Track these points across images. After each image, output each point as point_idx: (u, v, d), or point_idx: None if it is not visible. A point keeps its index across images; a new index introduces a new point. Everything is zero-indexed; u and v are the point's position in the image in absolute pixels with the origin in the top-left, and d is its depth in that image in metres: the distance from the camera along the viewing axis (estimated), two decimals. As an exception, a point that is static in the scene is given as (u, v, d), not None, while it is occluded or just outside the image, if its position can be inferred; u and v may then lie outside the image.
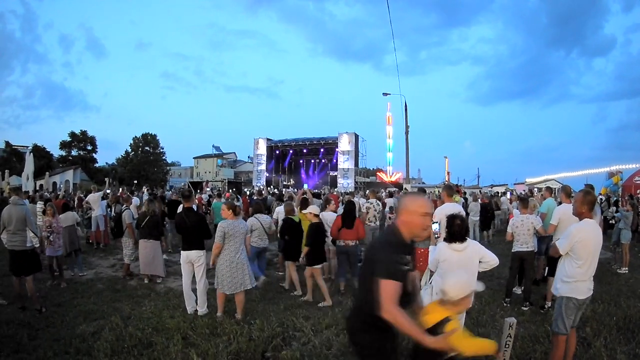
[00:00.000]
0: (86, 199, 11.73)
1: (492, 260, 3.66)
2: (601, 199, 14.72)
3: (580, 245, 3.53)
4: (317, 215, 6.31)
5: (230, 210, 5.30)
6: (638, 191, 18.23)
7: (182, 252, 5.64)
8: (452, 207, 5.24)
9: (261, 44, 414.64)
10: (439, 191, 20.20)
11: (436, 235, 4.26)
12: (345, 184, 36.62)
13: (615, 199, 14.66)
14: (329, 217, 7.30)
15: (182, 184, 37.09)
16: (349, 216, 6.57)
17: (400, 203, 2.42)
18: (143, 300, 6.16)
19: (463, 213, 4.79)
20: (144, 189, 21.74)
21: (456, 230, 3.64)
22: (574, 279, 3.52)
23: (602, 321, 4.98)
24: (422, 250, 5.65)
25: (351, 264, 6.62)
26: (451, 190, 5.89)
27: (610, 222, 9.84)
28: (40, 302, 5.78)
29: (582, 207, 3.63)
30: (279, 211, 8.01)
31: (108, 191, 14.52)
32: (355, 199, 10.96)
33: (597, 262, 3.65)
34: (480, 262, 3.66)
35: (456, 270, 3.58)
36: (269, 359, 4.22)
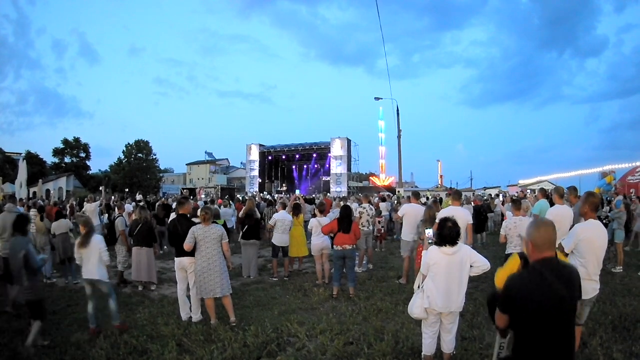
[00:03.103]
0: (83, 210, 11.66)
1: (483, 264, 3.68)
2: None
3: (584, 244, 3.61)
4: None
5: (201, 217, 5.35)
6: (631, 190, 18.33)
7: (175, 259, 5.62)
8: (449, 210, 5.28)
9: (254, 49, 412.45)
10: (431, 195, 20.36)
11: (430, 241, 4.27)
12: (338, 189, 36.54)
13: (608, 198, 14.78)
14: (325, 222, 7.35)
15: (184, 189, 36.81)
16: (346, 220, 6.59)
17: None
18: (137, 308, 6.13)
19: (465, 217, 4.84)
20: (138, 196, 21.61)
21: (446, 233, 3.64)
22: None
23: (597, 320, 5.01)
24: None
25: (348, 268, 6.58)
26: (458, 195, 5.96)
27: (604, 221, 9.92)
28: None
29: (584, 207, 3.79)
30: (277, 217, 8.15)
31: (104, 200, 14.49)
32: (348, 204, 11.00)
33: (602, 261, 3.72)
34: (471, 266, 3.68)
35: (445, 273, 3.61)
36: (264, 364, 4.21)
